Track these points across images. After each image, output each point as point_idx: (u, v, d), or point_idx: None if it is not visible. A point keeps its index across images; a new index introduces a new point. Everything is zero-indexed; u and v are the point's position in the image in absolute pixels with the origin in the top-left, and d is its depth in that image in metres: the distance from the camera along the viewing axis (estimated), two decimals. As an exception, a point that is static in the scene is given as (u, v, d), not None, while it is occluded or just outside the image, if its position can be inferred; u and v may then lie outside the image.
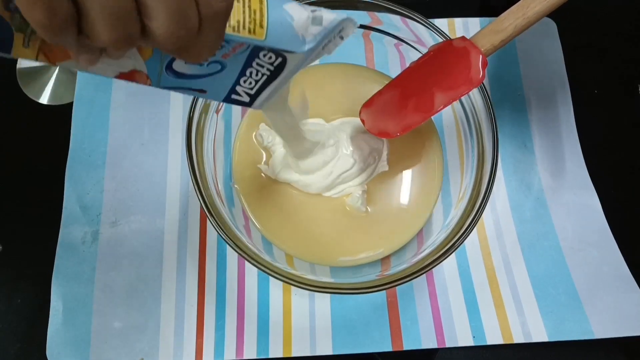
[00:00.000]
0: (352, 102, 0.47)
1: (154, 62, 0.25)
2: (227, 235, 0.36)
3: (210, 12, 0.21)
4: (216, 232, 0.37)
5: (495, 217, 0.48)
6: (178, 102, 0.51)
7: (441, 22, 0.56)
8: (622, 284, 0.46)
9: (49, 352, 0.42)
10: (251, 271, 0.45)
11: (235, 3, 0.24)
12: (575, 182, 0.50)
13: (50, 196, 0.47)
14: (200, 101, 0.40)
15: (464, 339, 0.43)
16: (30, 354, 0.43)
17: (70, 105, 0.51)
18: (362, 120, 0.42)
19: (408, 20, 0.42)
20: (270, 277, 0.36)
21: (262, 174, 0.45)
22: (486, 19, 0.56)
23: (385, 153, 0.45)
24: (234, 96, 0.30)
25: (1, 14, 0.20)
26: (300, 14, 0.26)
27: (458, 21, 0.56)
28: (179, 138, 0.50)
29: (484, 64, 0.37)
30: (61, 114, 0.51)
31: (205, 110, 0.41)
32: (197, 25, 0.21)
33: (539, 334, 0.44)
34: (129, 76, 0.25)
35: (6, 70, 0.53)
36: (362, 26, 0.46)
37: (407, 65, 0.48)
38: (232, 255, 0.46)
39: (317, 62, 0.52)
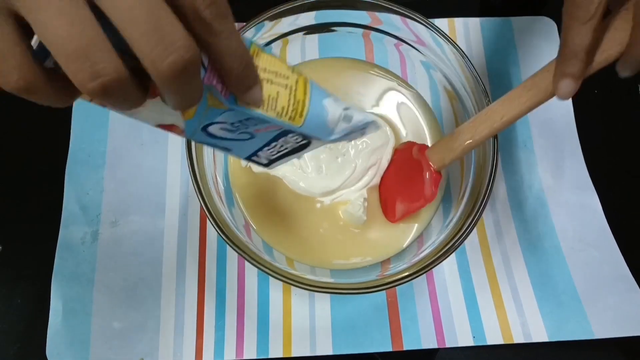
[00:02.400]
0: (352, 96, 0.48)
1: (192, 123, 0.26)
2: (226, 236, 0.36)
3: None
4: (216, 232, 0.37)
5: (495, 217, 0.48)
6: (178, 102, 0.51)
7: (441, 22, 0.56)
8: (622, 284, 0.46)
9: (48, 352, 0.42)
10: (251, 271, 0.45)
11: (283, 90, 0.26)
12: (575, 182, 0.50)
13: (50, 196, 0.47)
14: (200, 101, 0.40)
15: (464, 339, 0.43)
16: (30, 354, 0.43)
17: (70, 105, 0.51)
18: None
19: (408, 20, 0.42)
20: (270, 277, 0.36)
21: (254, 171, 0.45)
22: (486, 19, 0.56)
23: (390, 147, 0.45)
24: (254, 158, 0.32)
25: None
26: (334, 110, 0.29)
27: (458, 21, 0.56)
28: (178, 138, 0.50)
29: (436, 181, 0.41)
30: (61, 114, 0.50)
31: (205, 110, 0.41)
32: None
33: (539, 334, 0.44)
34: (167, 128, 0.27)
35: (6, 70, 0.53)
36: (362, 26, 0.46)
37: (407, 65, 0.49)
38: (232, 255, 0.46)
39: (317, 56, 0.52)
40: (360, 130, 0.31)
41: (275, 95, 0.26)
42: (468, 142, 0.37)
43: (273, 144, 0.30)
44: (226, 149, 0.30)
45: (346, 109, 0.29)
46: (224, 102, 0.24)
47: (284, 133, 0.28)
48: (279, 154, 0.32)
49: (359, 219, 0.43)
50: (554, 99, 0.33)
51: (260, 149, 0.31)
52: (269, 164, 0.33)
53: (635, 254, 0.47)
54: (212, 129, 0.27)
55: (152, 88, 0.22)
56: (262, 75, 0.25)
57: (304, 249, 0.43)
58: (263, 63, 0.25)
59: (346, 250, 0.43)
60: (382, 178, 0.45)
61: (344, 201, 0.44)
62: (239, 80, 0.23)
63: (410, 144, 0.44)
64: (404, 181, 0.43)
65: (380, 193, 0.45)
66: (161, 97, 0.22)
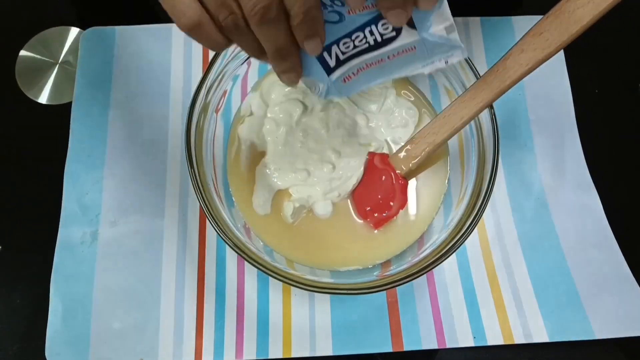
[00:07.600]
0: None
1: None
2: (226, 236, 0.36)
3: None
4: (216, 232, 0.37)
5: (495, 217, 0.48)
6: (178, 102, 0.51)
7: (441, 22, 0.55)
8: (622, 284, 0.46)
9: (48, 352, 0.42)
10: (251, 271, 0.45)
11: None
12: (575, 182, 0.50)
13: (50, 196, 0.47)
14: (200, 101, 0.40)
15: (465, 339, 0.43)
16: (30, 354, 0.43)
17: (69, 105, 0.51)
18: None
19: (408, 20, 0.42)
20: (270, 277, 0.36)
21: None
22: (487, 18, 0.56)
23: (354, 179, 0.44)
24: (325, 54, 0.31)
25: None
26: (446, 13, 0.28)
27: (458, 20, 0.56)
28: (178, 138, 0.50)
29: (404, 188, 0.43)
30: (61, 114, 0.50)
31: (204, 110, 0.41)
32: None
33: (540, 334, 0.43)
34: None
35: (5, 70, 0.53)
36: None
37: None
38: (231, 255, 0.46)
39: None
40: (445, 55, 0.30)
41: None
42: (430, 145, 0.40)
43: (356, 34, 0.29)
44: None
45: (450, 19, 0.29)
46: None
47: (376, 20, 0.28)
48: (354, 51, 0.31)
49: (287, 219, 0.43)
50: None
51: (340, 39, 0.30)
52: (335, 68, 0.32)
53: (636, 254, 0.47)
54: None
55: None
56: None
57: (303, 250, 0.43)
58: None
59: (352, 252, 0.43)
60: (356, 189, 0.44)
61: (288, 197, 0.44)
62: None
63: (371, 155, 0.44)
64: (374, 191, 0.43)
65: (356, 203, 0.44)
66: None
